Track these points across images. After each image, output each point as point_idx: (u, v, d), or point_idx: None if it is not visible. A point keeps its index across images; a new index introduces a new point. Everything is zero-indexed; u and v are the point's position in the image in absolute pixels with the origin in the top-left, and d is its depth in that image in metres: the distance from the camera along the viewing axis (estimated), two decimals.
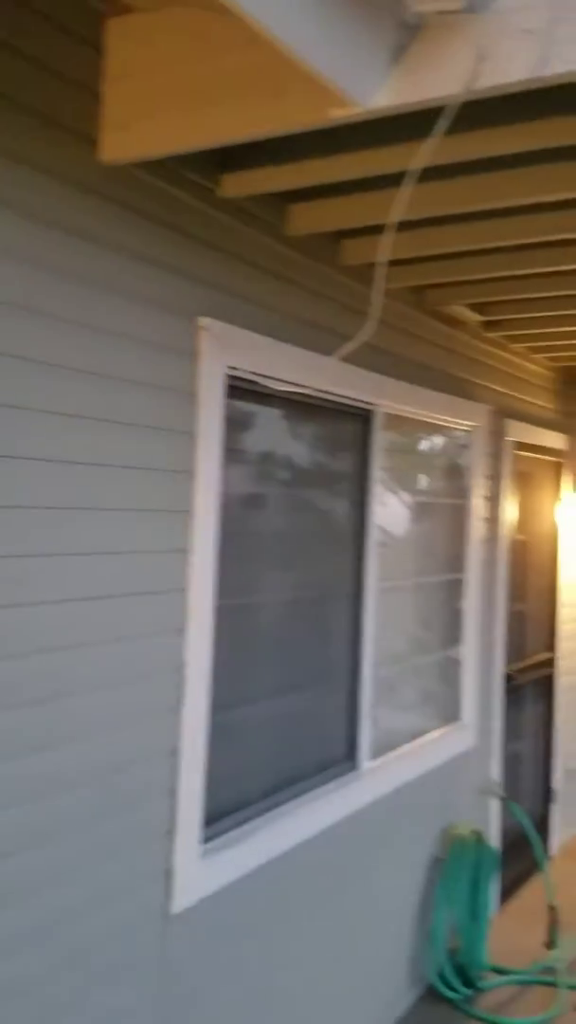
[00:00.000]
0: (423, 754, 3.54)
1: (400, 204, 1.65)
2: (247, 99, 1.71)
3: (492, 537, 4.18)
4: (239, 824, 2.54)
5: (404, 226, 2.60)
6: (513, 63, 1.34)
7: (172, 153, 1.88)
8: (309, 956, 2.82)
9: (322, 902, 2.88)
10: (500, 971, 3.70)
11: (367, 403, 3.11)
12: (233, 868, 2.45)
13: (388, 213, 2.31)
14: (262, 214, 2.50)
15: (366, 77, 1.52)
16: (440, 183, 2.22)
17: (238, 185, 2.27)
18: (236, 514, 2.54)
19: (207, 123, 1.77)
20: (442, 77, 1.40)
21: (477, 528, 4.01)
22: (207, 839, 2.38)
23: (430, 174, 2.16)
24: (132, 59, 1.85)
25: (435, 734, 3.69)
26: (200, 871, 2.32)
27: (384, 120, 1.74)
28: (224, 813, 2.50)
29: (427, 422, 3.60)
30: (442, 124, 1.42)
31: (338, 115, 1.57)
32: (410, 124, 1.74)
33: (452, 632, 3.91)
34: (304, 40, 1.41)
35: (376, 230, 2.69)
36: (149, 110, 1.84)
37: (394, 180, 2.20)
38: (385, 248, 2.07)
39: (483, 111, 1.74)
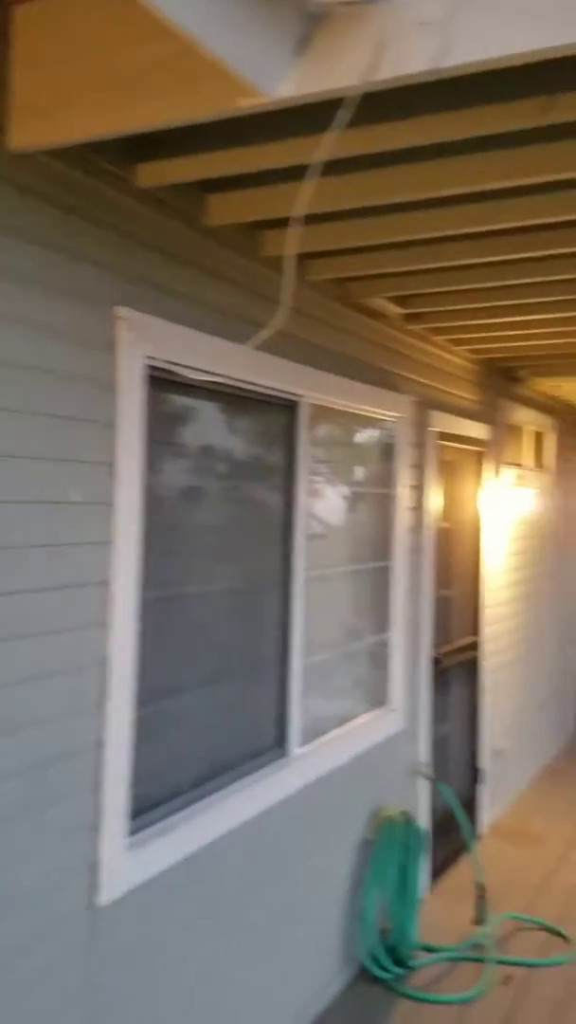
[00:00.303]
0: (353, 739, 3.59)
1: (305, 196, 1.67)
2: (158, 87, 1.71)
3: (418, 525, 4.25)
4: (167, 815, 2.54)
5: (324, 218, 2.63)
6: (413, 55, 1.37)
7: (82, 141, 1.86)
8: (240, 942, 2.84)
9: (253, 888, 2.91)
10: (430, 949, 3.78)
11: (292, 394, 3.13)
12: (161, 859, 2.45)
13: (305, 204, 2.33)
14: (180, 204, 2.50)
15: (272, 67, 1.54)
16: (357, 175, 2.25)
17: (154, 174, 2.27)
18: (162, 506, 2.54)
19: (118, 111, 1.77)
20: (344, 68, 1.42)
21: (403, 517, 4.08)
22: (134, 831, 2.38)
23: (347, 166, 2.19)
24: (41, 46, 1.82)
25: (364, 718, 3.75)
26: (127, 863, 2.32)
27: (301, 110, 1.76)
28: (152, 805, 2.50)
29: (353, 413, 3.64)
30: (343, 116, 1.44)
31: (246, 104, 1.59)
32: (326, 115, 1.76)
33: (381, 618, 3.97)
34: (208, 30, 1.42)
35: (296, 221, 2.71)
36: (59, 97, 1.82)
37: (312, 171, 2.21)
38: (293, 239, 2.10)
39: (400, 101, 1.77)
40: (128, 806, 2.32)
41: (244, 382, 2.83)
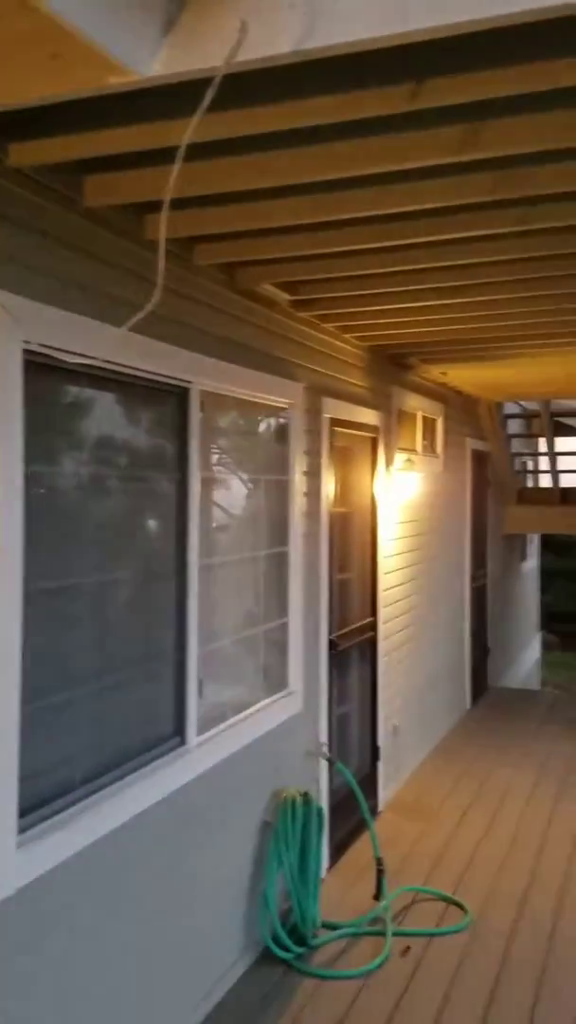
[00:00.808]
0: (252, 724, 3.61)
1: (172, 179, 1.65)
2: (24, 63, 1.66)
3: (314, 511, 4.30)
4: (60, 810, 2.50)
5: (210, 201, 2.61)
6: (278, 35, 1.37)
7: None
8: (141, 932, 2.83)
9: (153, 878, 2.89)
10: (331, 926, 3.85)
11: (183, 381, 3.11)
12: (55, 855, 2.41)
13: (185, 187, 2.31)
14: (57, 185, 2.44)
15: (141, 45, 1.51)
16: (236, 158, 2.25)
17: (27, 154, 2.20)
18: (48, 497, 2.48)
19: None
20: (210, 48, 1.42)
21: (299, 503, 4.11)
22: (24, 828, 2.33)
23: (227, 148, 2.18)
24: None
25: (263, 703, 3.78)
26: (17, 861, 2.27)
27: (176, 91, 1.74)
28: (44, 801, 2.45)
29: (246, 401, 3.64)
30: (208, 96, 1.43)
31: (115, 82, 1.56)
32: (201, 96, 1.74)
33: (278, 604, 4.00)
34: (74, 6, 1.38)
35: (177, 204, 2.68)
36: None
37: (194, 152, 2.19)
38: (163, 221, 2.08)
39: (273, 84, 1.77)
40: (17, 804, 2.27)
41: (132, 368, 2.79)
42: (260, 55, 1.40)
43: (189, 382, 3.14)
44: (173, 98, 1.88)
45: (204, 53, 1.43)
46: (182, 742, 3.14)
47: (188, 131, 1.51)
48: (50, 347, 2.39)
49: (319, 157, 2.21)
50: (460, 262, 3.17)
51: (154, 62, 1.53)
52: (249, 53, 1.39)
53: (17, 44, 1.65)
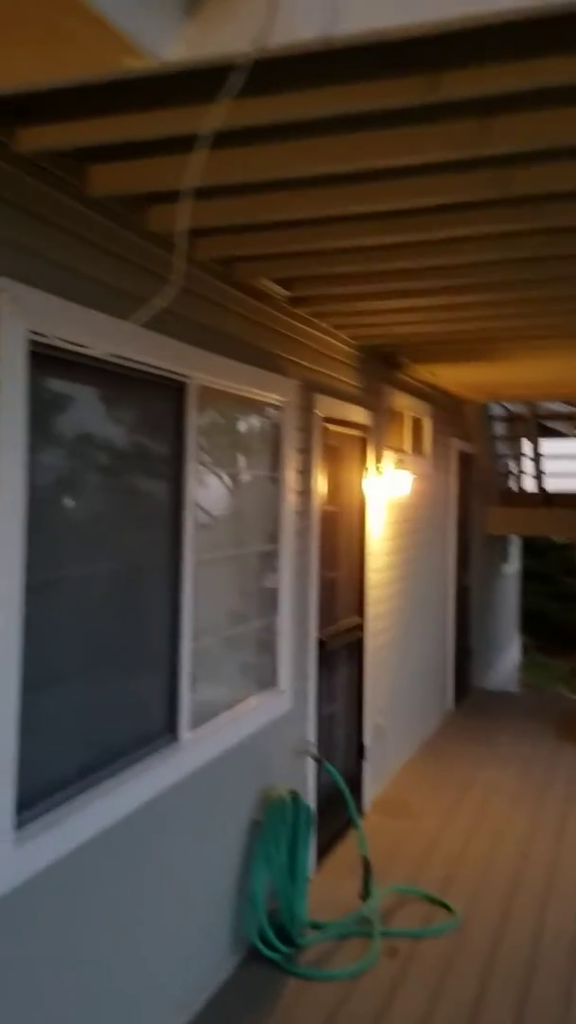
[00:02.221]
0: (242, 721, 3.59)
1: (195, 168, 1.62)
2: (36, 43, 1.62)
3: (305, 509, 4.28)
4: (56, 806, 2.46)
5: (210, 194, 2.58)
6: (304, 21, 1.35)
7: None
8: (133, 930, 2.80)
9: (146, 875, 2.86)
10: (318, 926, 3.83)
11: (181, 375, 3.08)
12: (51, 851, 2.38)
13: (186, 178, 2.28)
14: (62, 173, 2.40)
15: (160, 27, 1.48)
16: (240, 150, 2.23)
17: (35, 139, 2.16)
18: (49, 489, 2.45)
19: None
20: (235, 32, 1.39)
21: (291, 500, 4.09)
22: (21, 824, 2.30)
23: (231, 140, 2.15)
24: None
25: (253, 701, 3.76)
26: (14, 857, 2.23)
27: (188, 77, 1.71)
28: (41, 796, 2.42)
29: (241, 396, 3.62)
30: (234, 82, 1.41)
31: (131, 65, 1.52)
32: (206, 84, 1.72)
33: (269, 601, 3.97)
34: None
35: (177, 196, 2.65)
36: None
37: (194, 144, 2.17)
38: (184, 214, 2.05)
39: (286, 73, 1.75)
40: (14, 799, 2.24)
41: (133, 361, 2.76)
42: (284, 41, 1.38)
43: (188, 376, 3.11)
44: (180, 85, 1.86)
45: (229, 37, 1.40)
46: (175, 738, 3.11)
47: (212, 119, 1.48)
48: (56, 337, 2.36)
49: (328, 149, 2.19)
50: (454, 262, 3.17)
51: (173, 46, 1.50)
52: (274, 39, 1.37)
53: (30, 22, 1.61)
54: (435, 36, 1.53)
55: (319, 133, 2.12)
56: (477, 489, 8.72)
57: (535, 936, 3.83)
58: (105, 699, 2.77)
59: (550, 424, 9.73)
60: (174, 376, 3.05)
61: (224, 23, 1.40)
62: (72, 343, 2.42)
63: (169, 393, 3.09)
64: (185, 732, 3.15)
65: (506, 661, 10.99)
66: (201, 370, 3.19)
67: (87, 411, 2.68)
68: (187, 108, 1.91)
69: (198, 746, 3.22)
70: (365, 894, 4.09)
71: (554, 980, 3.49)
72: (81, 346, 2.43)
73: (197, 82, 1.81)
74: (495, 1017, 3.24)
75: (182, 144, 2.22)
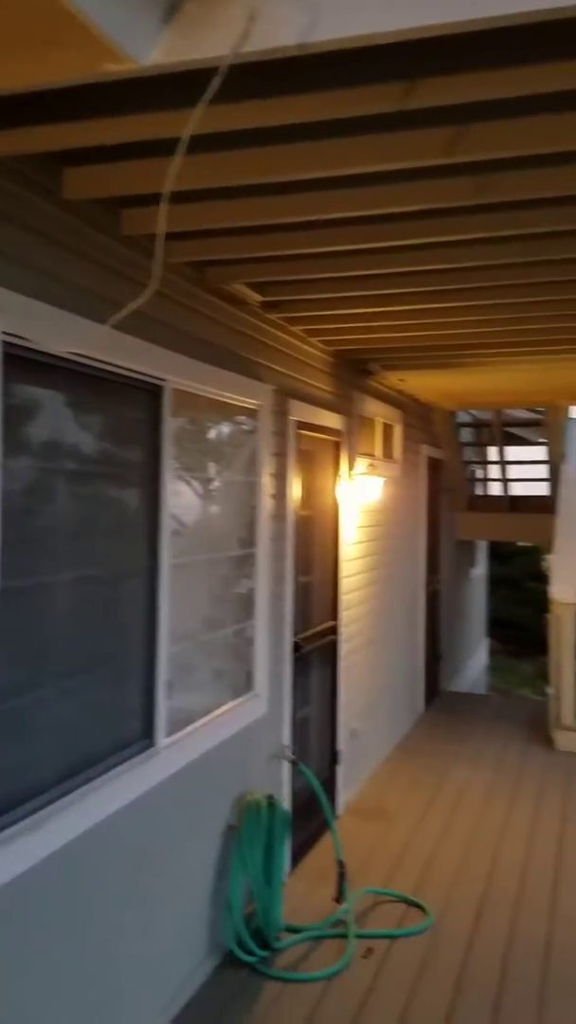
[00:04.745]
0: (218, 726, 3.59)
1: (172, 172, 1.64)
2: (14, 47, 1.63)
3: (280, 513, 4.30)
4: (29, 814, 2.45)
5: (183, 198, 2.60)
6: (283, 28, 1.37)
7: None
8: (107, 936, 2.78)
9: (121, 881, 2.85)
10: (294, 930, 3.84)
11: (157, 378, 3.08)
12: (24, 859, 2.36)
13: (159, 183, 2.29)
14: (37, 176, 2.40)
15: (141, 32, 1.50)
16: (218, 154, 2.24)
17: (9, 143, 2.16)
18: (20, 492, 2.43)
19: None
20: (215, 38, 1.41)
21: (266, 505, 4.10)
22: (1, 827, 2.28)
23: (209, 144, 2.17)
24: None
25: (229, 705, 3.76)
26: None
27: (164, 81, 1.72)
28: (13, 804, 2.40)
29: (216, 400, 3.63)
30: (213, 87, 1.42)
31: (112, 70, 1.53)
32: (192, 87, 1.73)
33: (244, 605, 3.98)
34: None
35: (151, 200, 2.66)
36: None
37: (169, 148, 2.19)
38: (162, 218, 2.05)
39: (263, 79, 1.77)
40: None
41: (108, 364, 2.76)
42: (263, 47, 1.40)
43: (163, 380, 3.12)
44: (157, 89, 1.87)
45: (208, 42, 1.42)
46: (152, 744, 3.10)
47: (191, 123, 1.50)
48: (30, 338, 2.35)
49: (302, 155, 2.21)
50: (427, 268, 3.20)
51: (153, 50, 1.52)
52: (252, 45, 1.39)
53: (9, 26, 1.62)
54: (412, 43, 1.56)
55: (295, 139, 2.14)
56: (446, 494, 8.80)
57: (509, 935, 3.86)
58: (82, 705, 2.75)
59: (516, 431, 9.85)
60: (150, 379, 3.05)
61: (204, 29, 1.42)
62: (48, 345, 2.41)
63: (145, 397, 3.09)
64: (162, 737, 3.15)
65: (474, 664, 11.08)
66: (177, 374, 3.19)
67: (62, 414, 2.67)
68: (163, 113, 1.93)
69: (174, 751, 3.21)
70: (340, 897, 4.10)
71: (528, 978, 3.52)
72: (56, 348, 2.43)
73: (173, 87, 1.83)
74: (470, 1014, 3.27)
75: (158, 148, 2.24)
